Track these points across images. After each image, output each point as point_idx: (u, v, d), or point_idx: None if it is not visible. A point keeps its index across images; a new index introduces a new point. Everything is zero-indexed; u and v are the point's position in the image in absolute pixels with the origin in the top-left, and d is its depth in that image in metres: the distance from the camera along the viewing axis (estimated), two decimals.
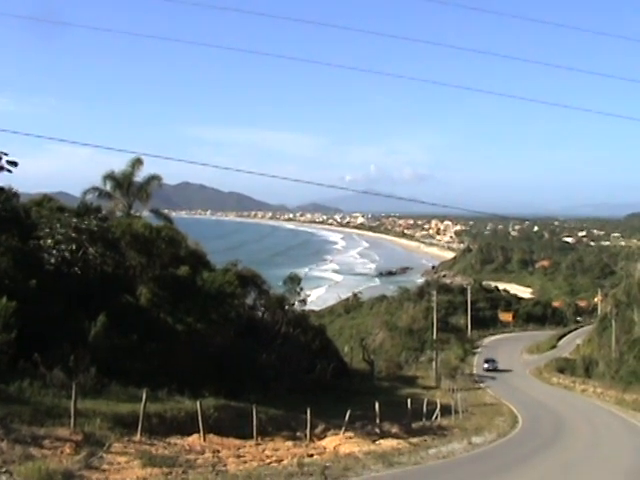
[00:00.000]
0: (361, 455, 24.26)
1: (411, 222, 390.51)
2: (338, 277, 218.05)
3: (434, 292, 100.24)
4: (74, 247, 32.51)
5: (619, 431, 40.13)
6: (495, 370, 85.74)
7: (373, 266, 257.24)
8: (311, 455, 23.56)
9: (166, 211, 65.01)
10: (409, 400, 39.20)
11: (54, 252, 31.88)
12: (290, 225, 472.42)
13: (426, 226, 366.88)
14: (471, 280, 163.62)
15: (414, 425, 38.49)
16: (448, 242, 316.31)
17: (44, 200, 40.83)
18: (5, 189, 35.92)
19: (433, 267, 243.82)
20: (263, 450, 23.25)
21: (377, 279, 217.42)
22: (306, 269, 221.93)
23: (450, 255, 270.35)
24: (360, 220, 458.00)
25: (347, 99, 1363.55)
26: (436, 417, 45.12)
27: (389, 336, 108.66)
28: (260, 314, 56.60)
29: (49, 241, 32.33)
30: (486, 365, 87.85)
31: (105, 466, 16.69)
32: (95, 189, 50.45)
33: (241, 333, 45.31)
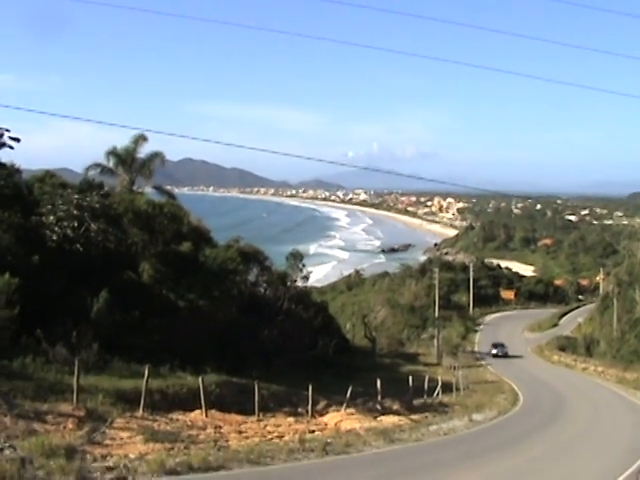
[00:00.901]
0: (362, 431, 24.42)
1: (413, 199, 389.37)
2: (344, 254, 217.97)
3: (436, 269, 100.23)
4: (76, 224, 32.49)
5: (619, 409, 40.33)
6: (505, 356, 78.50)
7: (378, 243, 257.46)
8: (312, 431, 23.73)
9: (169, 187, 64.92)
10: (410, 377, 39.46)
11: (56, 229, 31.88)
12: (293, 201, 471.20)
13: (429, 203, 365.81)
14: (473, 258, 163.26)
15: (415, 402, 38.72)
16: (450, 219, 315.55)
17: (46, 176, 40.64)
18: (7, 165, 35.88)
19: (435, 244, 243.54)
20: (265, 426, 23.41)
21: (382, 256, 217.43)
22: (314, 245, 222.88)
23: (452, 232, 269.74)
24: (362, 197, 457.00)
25: (351, 76, 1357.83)
26: (437, 394, 45.34)
27: (391, 313, 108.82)
28: (262, 290, 56.59)
29: (51, 218, 32.33)
30: (494, 350, 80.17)
31: (107, 441, 16.81)
32: (97, 165, 50.30)
33: (243, 309, 45.36)
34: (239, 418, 23.79)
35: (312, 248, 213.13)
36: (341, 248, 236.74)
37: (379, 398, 34.43)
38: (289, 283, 58.78)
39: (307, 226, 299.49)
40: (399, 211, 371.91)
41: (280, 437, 21.51)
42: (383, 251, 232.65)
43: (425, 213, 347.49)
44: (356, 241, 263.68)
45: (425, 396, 42.94)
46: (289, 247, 68.89)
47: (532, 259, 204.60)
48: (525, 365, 71.91)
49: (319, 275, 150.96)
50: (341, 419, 27.39)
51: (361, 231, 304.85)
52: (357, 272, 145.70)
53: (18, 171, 37.37)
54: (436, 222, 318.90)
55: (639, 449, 23.96)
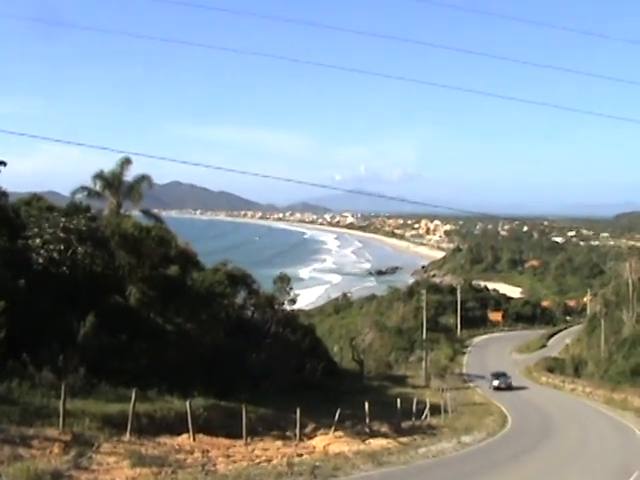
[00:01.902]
0: (351, 454, 24.32)
1: (400, 222, 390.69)
2: (336, 277, 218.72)
3: (424, 292, 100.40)
4: (62, 247, 32.36)
5: (607, 431, 40.31)
6: (509, 389, 68.20)
7: (368, 265, 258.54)
8: (301, 455, 23.60)
9: (156, 210, 64.96)
10: (398, 399, 39.33)
11: (42, 252, 31.73)
12: (282, 225, 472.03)
13: (415, 226, 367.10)
14: (461, 280, 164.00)
15: (404, 424, 38.59)
16: (437, 242, 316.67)
17: (33, 199, 40.53)
18: None
19: (423, 267, 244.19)
20: (253, 450, 23.28)
21: (373, 279, 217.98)
22: (307, 269, 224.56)
23: (440, 255, 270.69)
24: (350, 220, 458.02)
25: (336, 99, 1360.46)
26: (425, 416, 45.25)
27: (379, 336, 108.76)
28: (250, 313, 56.60)
29: (37, 241, 32.18)
30: (496, 382, 69.65)
31: (94, 466, 16.69)
32: (84, 188, 50.32)
33: (231, 332, 45.30)
34: (227, 442, 23.65)
35: (304, 271, 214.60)
36: (332, 271, 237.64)
37: (367, 421, 34.31)
38: (277, 306, 58.80)
39: (299, 249, 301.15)
40: (386, 233, 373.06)
41: (268, 461, 21.40)
42: (370, 273, 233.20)
43: (412, 235, 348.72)
44: (347, 264, 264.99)
45: (413, 418, 42.83)
46: (282, 270, 69.13)
47: (519, 280, 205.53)
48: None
49: (312, 298, 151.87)
50: (329, 442, 27.27)
51: (351, 253, 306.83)
52: (345, 295, 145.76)
53: (4, 194, 37.23)
54: (423, 244, 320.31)
55: (628, 470, 23.94)
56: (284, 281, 61.32)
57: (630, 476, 22.46)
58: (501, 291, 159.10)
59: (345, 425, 32.93)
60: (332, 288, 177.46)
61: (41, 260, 31.50)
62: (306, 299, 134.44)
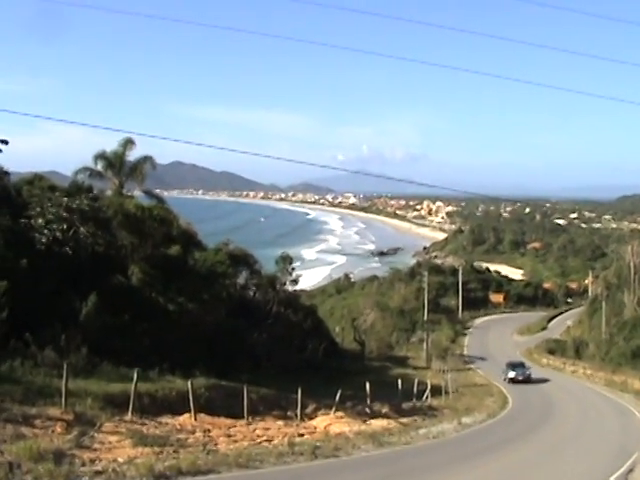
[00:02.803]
0: (351, 435, 24.43)
1: (403, 203, 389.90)
2: (341, 258, 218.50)
3: (425, 273, 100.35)
4: (65, 227, 32.35)
5: (607, 412, 40.45)
6: (527, 381, 58.86)
7: (372, 246, 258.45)
8: (302, 435, 23.70)
9: (158, 191, 64.83)
10: (400, 380, 39.51)
11: (45, 232, 31.71)
12: (285, 205, 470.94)
13: (418, 207, 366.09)
14: (462, 261, 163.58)
15: (404, 405, 38.77)
16: (440, 223, 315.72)
17: (35, 179, 40.44)
18: None
19: (425, 248, 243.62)
20: (254, 430, 23.37)
21: (377, 259, 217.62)
22: (312, 249, 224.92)
23: (442, 236, 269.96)
24: (352, 200, 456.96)
25: (339, 79, 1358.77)
26: (426, 397, 45.40)
27: (380, 316, 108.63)
28: (252, 294, 56.63)
29: (40, 220, 32.17)
30: (512, 373, 60.11)
31: (96, 445, 16.74)
32: (86, 169, 50.11)
33: (232, 313, 45.34)
34: (228, 422, 23.74)
35: (310, 252, 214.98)
36: (337, 252, 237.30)
37: (368, 401, 34.44)
38: (279, 286, 58.83)
39: (303, 230, 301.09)
40: (388, 214, 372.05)
41: (269, 441, 21.48)
42: (372, 254, 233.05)
43: (414, 217, 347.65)
44: (351, 245, 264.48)
45: (414, 399, 43.01)
46: (288, 251, 69.07)
47: (521, 262, 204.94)
48: None
49: (317, 278, 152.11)
50: (330, 422, 27.38)
51: (354, 234, 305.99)
52: (346, 275, 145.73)
53: (6, 174, 37.16)
54: (425, 226, 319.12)
55: (627, 451, 24.03)
56: (286, 261, 61.31)
57: (630, 457, 22.54)
58: (503, 273, 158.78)
59: (346, 405, 33.06)
60: (337, 269, 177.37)
61: (44, 240, 31.49)
62: (311, 280, 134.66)
